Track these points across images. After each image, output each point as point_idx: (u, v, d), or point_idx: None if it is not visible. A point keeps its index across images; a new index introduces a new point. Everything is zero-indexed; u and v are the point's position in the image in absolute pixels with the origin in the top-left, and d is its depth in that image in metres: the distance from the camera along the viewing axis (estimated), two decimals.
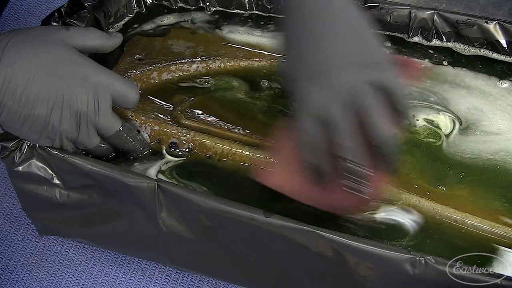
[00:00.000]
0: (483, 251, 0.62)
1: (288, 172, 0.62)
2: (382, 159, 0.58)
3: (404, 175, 0.68)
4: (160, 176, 0.68)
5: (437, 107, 0.74)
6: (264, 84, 0.77)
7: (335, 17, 0.61)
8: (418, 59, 0.79)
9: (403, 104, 0.59)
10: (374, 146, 0.58)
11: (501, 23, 0.78)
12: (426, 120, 0.74)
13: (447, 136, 0.72)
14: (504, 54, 0.79)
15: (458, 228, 0.65)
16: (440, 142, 0.72)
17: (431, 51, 0.80)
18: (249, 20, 0.84)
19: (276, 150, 0.64)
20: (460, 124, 0.73)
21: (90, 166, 0.62)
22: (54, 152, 0.63)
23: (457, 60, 0.79)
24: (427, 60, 0.79)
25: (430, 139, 0.72)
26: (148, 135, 0.71)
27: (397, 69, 0.61)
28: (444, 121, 0.73)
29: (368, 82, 0.58)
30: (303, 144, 0.59)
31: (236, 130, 0.72)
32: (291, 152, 0.61)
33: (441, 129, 0.73)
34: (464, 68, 0.78)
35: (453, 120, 0.73)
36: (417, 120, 0.73)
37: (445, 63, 0.79)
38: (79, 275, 0.71)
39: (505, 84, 0.77)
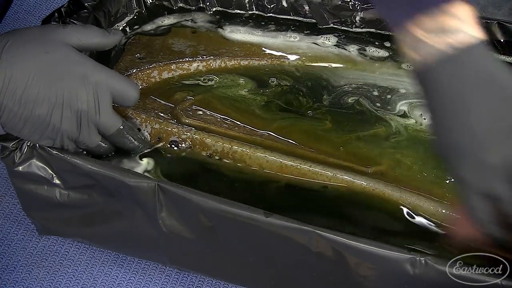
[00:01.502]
0: None
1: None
2: None
3: (407, 169, 0.69)
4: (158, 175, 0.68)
5: None
6: (265, 82, 0.77)
7: (473, 86, 0.54)
8: None
9: None
10: None
11: (501, 23, 0.78)
12: None
13: None
14: (504, 54, 0.79)
15: None
16: None
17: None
18: (250, 21, 0.84)
19: (457, 222, 0.61)
20: None
21: (90, 166, 0.62)
22: (54, 152, 0.63)
23: None
24: None
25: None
26: (149, 134, 0.71)
27: None
28: None
29: None
30: (478, 220, 0.56)
31: (236, 128, 0.72)
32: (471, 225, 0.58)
33: None
34: None
35: None
36: (425, 119, 0.73)
37: None
38: (79, 275, 0.71)
39: None
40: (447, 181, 0.68)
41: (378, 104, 0.75)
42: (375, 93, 0.77)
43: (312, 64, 0.79)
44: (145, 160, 0.70)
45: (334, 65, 0.79)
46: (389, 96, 0.76)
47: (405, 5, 0.54)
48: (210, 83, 0.77)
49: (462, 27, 0.53)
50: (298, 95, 0.76)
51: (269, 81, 0.77)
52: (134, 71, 0.76)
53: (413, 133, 0.73)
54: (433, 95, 0.54)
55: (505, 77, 0.54)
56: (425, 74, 0.54)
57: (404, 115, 0.74)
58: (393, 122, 0.74)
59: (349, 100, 0.76)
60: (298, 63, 0.80)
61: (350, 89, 0.77)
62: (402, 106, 0.75)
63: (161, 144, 0.71)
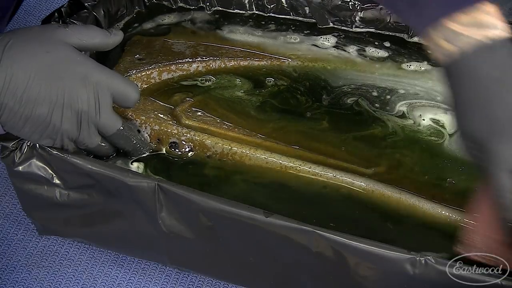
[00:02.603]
0: None
1: (493, 240, 0.59)
2: None
3: (401, 167, 0.69)
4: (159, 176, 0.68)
5: (445, 106, 0.74)
6: (265, 83, 0.77)
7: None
8: (416, 61, 0.79)
9: None
10: None
11: None
12: (433, 119, 0.74)
13: (451, 135, 0.72)
14: None
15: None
16: (442, 141, 0.72)
17: (429, 51, 0.80)
18: (250, 20, 0.84)
19: (475, 221, 0.61)
20: None
21: (90, 166, 0.62)
22: (54, 152, 0.63)
23: None
24: (425, 62, 0.79)
25: (432, 138, 0.72)
26: (148, 135, 0.71)
27: None
28: (450, 120, 0.73)
29: None
30: (506, 204, 0.56)
31: (236, 129, 0.72)
32: (492, 218, 0.58)
33: (445, 129, 0.73)
34: None
35: None
36: (423, 119, 0.74)
37: None
38: (79, 275, 0.71)
39: None
40: (447, 183, 0.68)
41: (377, 105, 0.75)
42: (374, 93, 0.77)
43: (311, 64, 0.80)
44: (143, 162, 0.70)
45: (333, 66, 0.79)
46: (388, 97, 0.76)
47: (442, 5, 0.57)
48: (209, 84, 0.77)
49: (496, 23, 0.57)
50: (297, 95, 0.76)
51: (268, 82, 0.77)
52: (134, 72, 0.76)
53: (410, 133, 0.73)
54: (469, 81, 0.57)
55: None
56: (460, 63, 0.57)
57: (402, 116, 0.74)
58: (390, 122, 0.74)
59: (348, 101, 0.76)
60: (297, 63, 0.80)
61: (349, 89, 0.77)
62: (401, 106, 0.75)
63: (160, 145, 0.71)
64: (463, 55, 0.57)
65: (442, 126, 0.73)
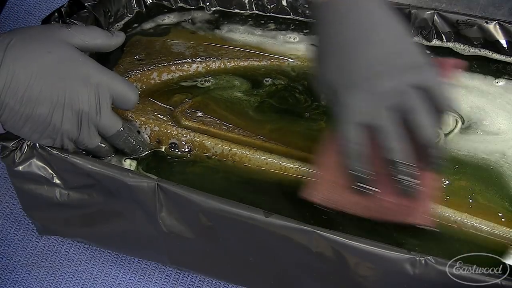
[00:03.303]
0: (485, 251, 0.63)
1: (335, 185, 0.62)
2: (429, 159, 0.59)
3: None
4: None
5: None
6: (265, 83, 0.77)
7: (373, 23, 0.61)
8: None
9: (447, 103, 0.60)
10: (420, 147, 0.59)
11: (501, 23, 0.78)
12: None
13: (447, 135, 0.72)
14: (504, 54, 0.79)
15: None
16: (437, 141, 0.72)
17: (427, 52, 0.80)
18: (249, 20, 0.84)
19: (321, 164, 0.64)
20: (463, 123, 0.73)
21: (90, 166, 0.62)
22: (55, 152, 0.63)
23: None
24: None
25: None
26: (148, 136, 0.71)
27: (436, 70, 0.62)
28: (446, 120, 0.73)
29: (411, 84, 0.59)
30: (349, 153, 0.59)
31: (236, 130, 0.72)
32: (336, 164, 0.61)
33: (441, 128, 0.73)
34: (460, 69, 0.78)
35: (456, 119, 0.73)
36: None
37: None
38: (79, 275, 0.71)
39: (501, 82, 0.77)
40: (445, 185, 0.68)
41: None
42: None
43: (311, 64, 0.79)
44: (143, 162, 0.70)
45: None
46: None
47: None
48: (209, 84, 0.77)
49: None
50: (296, 95, 0.76)
51: (267, 82, 0.77)
52: (134, 72, 0.76)
53: None
54: (335, 27, 0.60)
55: (398, 20, 0.62)
56: (330, 6, 0.60)
57: None
58: None
59: None
60: (297, 63, 0.80)
61: None
62: None
63: (160, 146, 0.71)
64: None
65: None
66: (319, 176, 0.64)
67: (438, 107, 0.60)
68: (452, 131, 0.73)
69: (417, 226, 0.63)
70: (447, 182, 0.68)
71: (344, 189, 0.61)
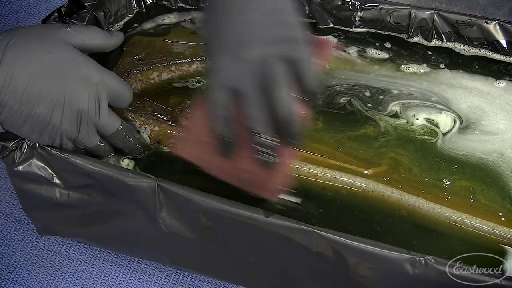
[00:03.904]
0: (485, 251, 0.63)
1: (201, 143, 0.63)
2: (286, 135, 0.59)
3: (394, 167, 0.69)
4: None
5: (439, 106, 0.75)
6: None
7: None
8: (416, 63, 0.79)
9: (312, 82, 0.60)
10: (280, 121, 0.59)
11: (501, 23, 0.78)
12: (427, 119, 0.74)
13: (445, 134, 0.72)
14: (504, 54, 0.79)
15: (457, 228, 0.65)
16: (435, 140, 0.72)
17: (429, 52, 0.80)
18: None
19: (191, 121, 0.65)
20: (461, 123, 0.73)
21: (90, 166, 0.62)
22: (54, 151, 0.63)
23: (454, 62, 0.79)
24: (425, 65, 0.79)
25: (426, 137, 0.72)
26: (148, 136, 0.71)
27: (310, 47, 0.61)
28: (444, 120, 0.73)
29: (280, 57, 0.59)
30: (213, 115, 0.60)
31: None
32: (204, 123, 0.62)
33: (439, 128, 0.73)
34: (461, 70, 0.78)
35: (454, 119, 0.74)
36: (417, 119, 0.74)
37: (442, 66, 0.79)
38: (79, 275, 0.71)
39: (502, 83, 0.77)
40: (446, 185, 0.68)
41: (369, 105, 0.75)
42: (367, 93, 0.77)
43: None
44: (143, 162, 0.70)
45: (332, 65, 0.79)
46: (381, 97, 0.76)
47: None
48: (201, 85, 0.77)
49: None
50: None
51: None
52: (134, 72, 0.76)
53: (403, 133, 0.73)
54: None
55: None
56: None
57: (395, 115, 0.74)
58: (382, 122, 0.74)
59: (341, 100, 0.76)
60: None
61: (342, 89, 0.77)
62: (394, 106, 0.75)
63: (160, 146, 0.71)
64: None
65: (436, 126, 0.73)
66: (188, 132, 0.65)
67: (303, 85, 0.60)
68: (450, 131, 0.73)
69: (264, 198, 0.63)
70: (448, 182, 0.68)
71: (208, 148, 0.62)
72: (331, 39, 0.82)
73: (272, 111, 0.59)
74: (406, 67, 0.79)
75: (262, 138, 0.59)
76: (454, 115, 0.74)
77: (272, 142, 0.59)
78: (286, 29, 0.61)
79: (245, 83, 0.59)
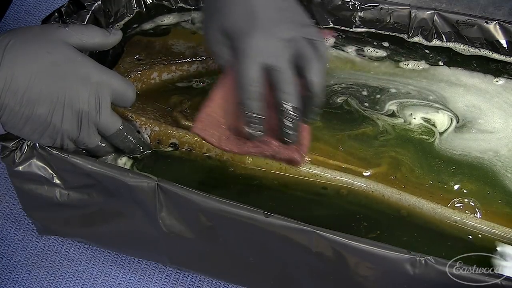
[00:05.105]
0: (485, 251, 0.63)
1: (226, 120, 0.65)
2: (309, 110, 0.64)
3: (394, 167, 0.69)
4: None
5: (436, 105, 0.75)
6: None
7: None
8: (415, 60, 0.79)
9: (324, 60, 0.65)
10: (306, 98, 0.64)
11: (501, 23, 0.78)
12: (424, 118, 0.74)
13: (441, 133, 0.72)
14: (504, 54, 0.79)
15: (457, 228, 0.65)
16: (433, 139, 0.72)
17: (427, 51, 0.80)
18: None
19: (213, 102, 0.66)
20: (457, 122, 0.73)
21: (90, 166, 0.62)
22: (55, 152, 0.63)
23: (453, 60, 0.79)
24: (423, 61, 0.79)
25: (423, 136, 0.72)
26: (148, 136, 0.71)
27: (319, 30, 0.69)
28: (441, 119, 0.73)
29: (305, 38, 0.65)
30: (246, 91, 0.62)
31: None
32: (227, 102, 0.65)
33: (436, 127, 0.73)
34: (459, 68, 0.78)
35: (450, 118, 0.74)
36: (414, 118, 0.74)
37: (440, 63, 0.79)
38: (79, 275, 0.71)
39: (501, 81, 0.77)
40: (446, 186, 0.68)
41: (366, 104, 0.75)
42: (364, 92, 0.76)
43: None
44: (143, 162, 0.70)
45: (332, 65, 0.79)
46: (378, 96, 0.76)
47: None
48: (209, 84, 0.77)
49: None
50: None
51: None
52: (134, 72, 0.76)
53: (402, 132, 0.73)
54: None
55: None
56: None
57: (392, 115, 0.74)
58: (380, 121, 0.74)
59: (338, 100, 0.76)
60: None
61: (340, 88, 0.77)
62: (391, 105, 0.75)
63: (160, 146, 0.71)
64: None
65: (433, 125, 0.73)
66: (210, 112, 0.65)
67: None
68: (446, 130, 0.73)
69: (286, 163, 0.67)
70: (448, 182, 0.68)
71: (234, 125, 0.64)
72: (330, 40, 0.82)
73: (303, 87, 0.63)
74: (405, 64, 0.79)
75: (290, 112, 0.62)
76: (451, 114, 0.74)
77: (298, 116, 0.63)
78: (303, 16, 0.68)
79: (281, 59, 0.63)
